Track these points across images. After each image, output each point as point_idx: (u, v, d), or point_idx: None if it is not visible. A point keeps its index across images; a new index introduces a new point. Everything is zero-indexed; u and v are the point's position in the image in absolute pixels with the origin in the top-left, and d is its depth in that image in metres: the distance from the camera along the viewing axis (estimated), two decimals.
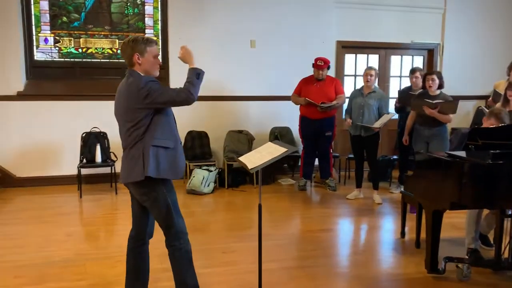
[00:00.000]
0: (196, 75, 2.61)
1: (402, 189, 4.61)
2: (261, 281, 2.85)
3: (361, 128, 5.32)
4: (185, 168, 2.77)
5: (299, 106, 5.95)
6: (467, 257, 3.53)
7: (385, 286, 3.26)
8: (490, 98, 5.33)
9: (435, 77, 4.81)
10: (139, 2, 6.42)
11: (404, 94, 5.67)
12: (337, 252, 3.98)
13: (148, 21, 6.47)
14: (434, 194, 3.25)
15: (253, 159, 2.74)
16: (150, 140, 2.52)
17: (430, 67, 7.34)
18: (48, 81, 6.20)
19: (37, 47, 6.18)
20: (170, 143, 2.59)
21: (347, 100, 5.68)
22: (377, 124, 5.21)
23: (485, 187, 2.94)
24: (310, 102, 5.66)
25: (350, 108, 5.47)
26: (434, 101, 4.71)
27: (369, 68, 5.38)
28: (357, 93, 5.48)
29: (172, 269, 2.71)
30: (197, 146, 6.32)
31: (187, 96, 2.54)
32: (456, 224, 4.43)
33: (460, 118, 7.23)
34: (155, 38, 6.48)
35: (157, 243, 2.89)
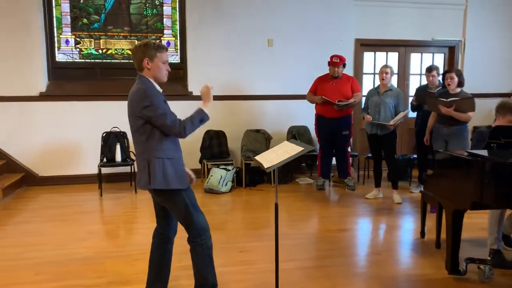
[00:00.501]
0: (201, 117, 2.64)
1: (422, 188, 4.53)
2: (278, 280, 2.84)
3: (377, 126, 5.26)
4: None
5: (315, 105, 5.91)
6: (489, 258, 3.45)
7: (403, 287, 3.21)
8: None
9: (453, 75, 4.71)
10: (158, 3, 6.48)
11: (421, 92, 5.59)
12: (355, 252, 3.94)
13: (167, 21, 6.53)
14: (455, 193, 3.18)
15: (269, 158, 2.73)
16: (154, 151, 2.55)
17: (451, 65, 7.20)
18: (69, 81, 6.31)
19: (59, 48, 6.31)
20: (174, 154, 2.61)
21: (363, 99, 5.63)
22: (392, 122, 5.14)
23: (507, 186, 2.87)
24: (326, 100, 5.62)
25: (367, 107, 5.43)
26: (448, 99, 4.61)
27: (385, 66, 5.33)
28: (373, 92, 5.43)
29: (192, 264, 2.74)
30: (215, 145, 6.35)
31: (180, 131, 2.54)
32: (478, 224, 4.34)
33: (483, 116, 7.09)
34: (172, 39, 6.54)
35: (176, 241, 2.91)
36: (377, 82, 7.04)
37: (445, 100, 4.62)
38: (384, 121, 5.19)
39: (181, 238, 2.91)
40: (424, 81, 7.17)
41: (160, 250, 2.82)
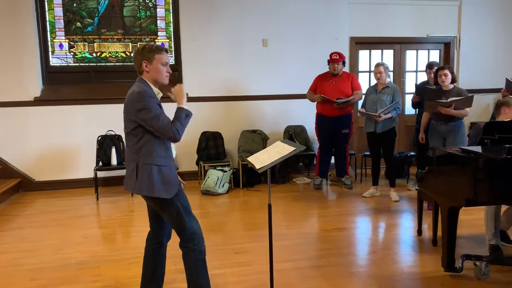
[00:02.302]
0: (185, 115, 2.58)
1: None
2: (272, 281, 2.83)
3: (375, 124, 5.24)
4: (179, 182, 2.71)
5: (315, 104, 5.89)
6: (488, 254, 3.43)
7: (401, 285, 3.20)
8: (504, 89, 5.19)
9: (447, 72, 4.71)
10: (151, 5, 6.46)
11: (421, 88, 5.58)
12: (352, 251, 3.92)
13: (160, 23, 6.51)
14: (449, 190, 3.17)
15: (261, 159, 2.72)
16: (143, 156, 2.52)
17: (447, 61, 7.19)
18: (64, 86, 6.30)
19: (53, 52, 6.29)
20: (164, 161, 2.57)
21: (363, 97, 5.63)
22: (378, 112, 5.12)
23: (501, 182, 2.85)
24: (325, 99, 5.60)
25: (364, 104, 5.42)
26: (449, 100, 4.60)
27: (377, 65, 5.32)
28: (371, 90, 5.43)
29: (185, 270, 2.71)
30: (211, 147, 6.33)
31: (174, 135, 2.49)
32: (475, 220, 4.33)
33: (480, 112, 7.08)
34: (166, 40, 6.52)
35: (171, 244, 2.89)
36: (373, 80, 7.07)
37: (445, 101, 4.60)
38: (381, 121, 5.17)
39: (176, 242, 2.89)
40: (420, 78, 7.20)
41: (152, 254, 2.80)
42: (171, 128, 2.49)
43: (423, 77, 7.21)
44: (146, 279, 2.82)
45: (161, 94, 2.63)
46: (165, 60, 2.60)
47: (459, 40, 7.21)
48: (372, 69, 7.07)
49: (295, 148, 2.60)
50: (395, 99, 5.23)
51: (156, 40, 6.49)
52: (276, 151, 2.71)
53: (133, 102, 2.49)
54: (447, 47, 7.29)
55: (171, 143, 2.66)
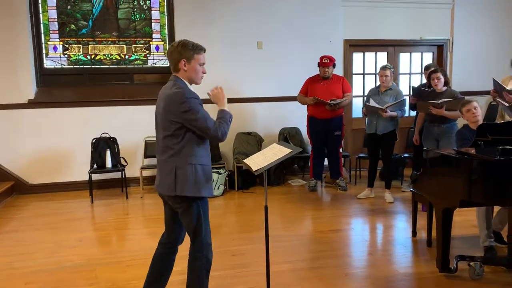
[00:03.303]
0: (229, 117, 2.60)
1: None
2: (269, 283, 2.84)
3: (376, 125, 5.25)
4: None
5: (306, 106, 5.92)
6: (482, 255, 3.47)
7: (396, 286, 3.22)
8: (492, 89, 5.24)
9: (440, 75, 4.78)
10: (146, 8, 6.46)
11: (419, 90, 5.62)
12: (348, 253, 3.94)
13: (155, 26, 6.51)
14: (443, 192, 3.20)
15: (257, 161, 2.73)
16: (186, 157, 2.49)
17: (440, 63, 7.25)
18: (58, 88, 6.27)
19: (47, 55, 6.27)
20: (206, 160, 2.57)
21: (354, 99, 5.65)
22: (385, 106, 5.12)
23: (494, 184, 2.88)
24: (318, 101, 5.63)
25: None
26: (440, 101, 4.65)
27: (384, 68, 5.31)
28: (374, 91, 5.43)
29: (187, 275, 2.69)
30: None
31: (221, 135, 2.49)
32: (470, 221, 4.36)
33: None
34: (161, 43, 6.52)
35: None
36: (367, 83, 7.12)
37: (436, 102, 4.65)
38: (383, 120, 5.19)
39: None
40: (414, 80, 7.27)
41: (163, 258, 2.75)
42: (219, 128, 2.48)
43: (416, 79, 7.30)
44: (151, 280, 2.77)
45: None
46: (203, 61, 2.58)
47: (452, 43, 7.28)
48: (367, 71, 7.18)
49: (291, 150, 2.62)
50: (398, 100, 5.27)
51: (150, 43, 6.49)
52: (272, 153, 2.72)
53: (177, 104, 2.43)
54: (440, 50, 7.36)
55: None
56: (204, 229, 2.61)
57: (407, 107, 5.51)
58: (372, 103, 5.21)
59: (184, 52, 2.51)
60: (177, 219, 2.69)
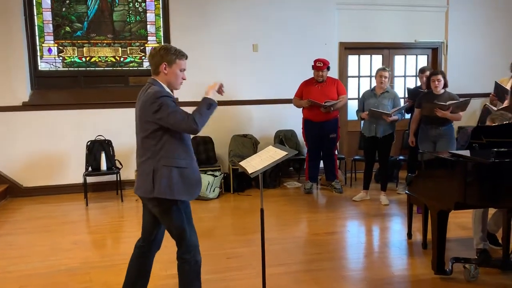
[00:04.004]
0: (207, 105, 2.55)
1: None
2: (265, 285, 2.83)
3: (376, 129, 5.26)
4: (201, 187, 2.68)
5: (301, 109, 5.92)
6: (476, 257, 3.48)
7: None
8: (492, 93, 5.27)
9: (440, 77, 4.78)
10: (141, 10, 6.45)
11: (414, 92, 5.65)
12: (343, 255, 3.94)
13: (150, 28, 6.50)
14: (439, 194, 3.21)
15: (253, 163, 2.73)
16: (163, 159, 2.48)
17: (435, 66, 7.28)
18: (53, 90, 6.24)
19: (41, 57, 6.24)
20: (184, 163, 2.53)
21: (350, 102, 5.66)
22: (391, 111, 5.16)
23: (489, 186, 2.90)
24: (313, 104, 5.63)
25: (362, 109, 5.43)
26: (448, 103, 4.66)
27: (383, 70, 5.33)
28: (369, 94, 5.43)
29: (178, 280, 2.68)
30: (202, 151, 6.32)
31: (190, 125, 2.44)
32: (465, 224, 4.38)
33: (467, 117, 7.16)
34: (156, 45, 6.51)
35: (163, 249, 2.86)
36: (362, 86, 7.14)
37: (444, 104, 4.66)
38: (383, 122, 5.21)
39: (167, 247, 2.89)
40: (409, 83, 7.29)
41: (137, 262, 2.75)
42: (188, 118, 2.44)
43: (411, 82, 7.32)
44: (129, 285, 2.77)
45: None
46: (184, 67, 2.60)
47: (447, 46, 7.32)
48: (362, 74, 7.20)
49: (287, 153, 2.62)
50: (398, 104, 5.31)
51: (146, 45, 6.48)
52: (268, 156, 2.72)
53: (149, 104, 2.44)
54: (434, 52, 7.39)
55: (191, 145, 2.63)
56: (189, 232, 2.59)
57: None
58: (372, 106, 5.24)
59: (166, 55, 2.53)
60: (155, 223, 2.68)
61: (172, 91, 2.62)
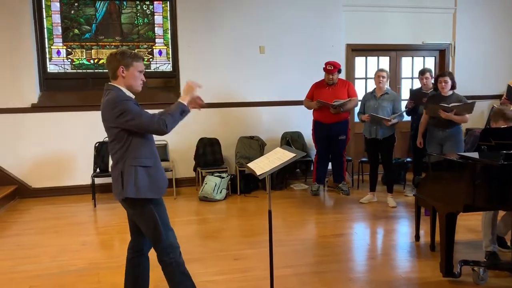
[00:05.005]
0: (180, 111, 2.56)
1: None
2: (272, 287, 2.83)
3: (376, 130, 5.27)
4: (168, 185, 2.71)
5: (312, 110, 5.92)
6: (485, 260, 3.45)
7: None
8: (504, 96, 5.24)
9: (447, 78, 4.76)
10: (149, 13, 6.49)
11: (416, 93, 5.63)
12: (351, 257, 3.93)
13: (158, 30, 6.54)
14: (447, 196, 3.20)
15: (261, 165, 2.73)
16: (128, 159, 2.50)
17: (442, 68, 7.26)
18: (62, 92, 6.30)
19: (50, 59, 6.29)
20: (149, 162, 2.56)
21: (359, 103, 5.66)
22: (390, 117, 5.17)
23: (498, 188, 2.88)
24: (323, 104, 5.63)
25: (363, 111, 5.45)
26: (450, 105, 4.64)
27: (381, 70, 5.36)
28: (370, 96, 5.45)
29: (168, 284, 2.69)
30: (209, 153, 6.34)
31: (159, 127, 2.46)
32: (473, 226, 4.36)
33: (475, 119, 7.12)
34: (164, 47, 6.54)
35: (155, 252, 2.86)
36: (369, 87, 7.12)
37: (447, 106, 4.64)
38: (383, 128, 5.22)
39: None
40: (416, 85, 7.26)
41: (132, 263, 2.77)
42: (158, 120, 2.46)
43: (418, 84, 7.29)
44: (127, 286, 2.79)
45: (133, 97, 2.59)
46: (141, 68, 2.61)
47: (454, 47, 7.29)
48: (369, 75, 7.18)
49: (295, 154, 2.62)
50: (397, 106, 5.31)
51: (154, 47, 6.52)
52: (276, 157, 2.72)
53: (110, 110, 2.46)
54: (442, 54, 7.36)
55: (155, 145, 2.64)
56: (164, 234, 2.59)
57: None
58: (372, 110, 5.25)
59: (123, 59, 2.54)
60: (136, 225, 2.71)
61: (134, 94, 2.62)
